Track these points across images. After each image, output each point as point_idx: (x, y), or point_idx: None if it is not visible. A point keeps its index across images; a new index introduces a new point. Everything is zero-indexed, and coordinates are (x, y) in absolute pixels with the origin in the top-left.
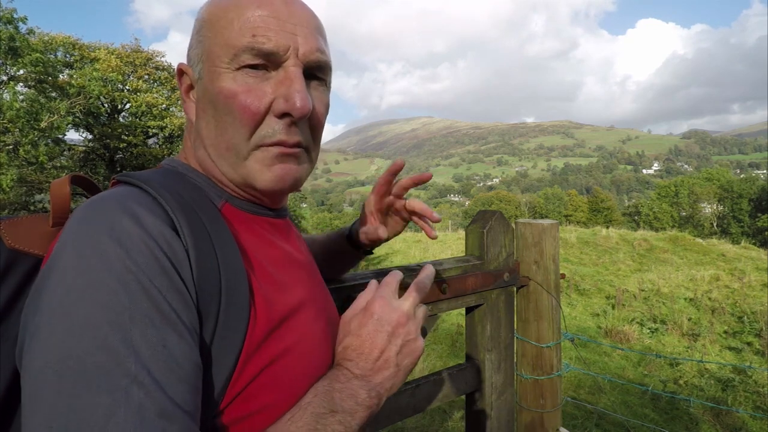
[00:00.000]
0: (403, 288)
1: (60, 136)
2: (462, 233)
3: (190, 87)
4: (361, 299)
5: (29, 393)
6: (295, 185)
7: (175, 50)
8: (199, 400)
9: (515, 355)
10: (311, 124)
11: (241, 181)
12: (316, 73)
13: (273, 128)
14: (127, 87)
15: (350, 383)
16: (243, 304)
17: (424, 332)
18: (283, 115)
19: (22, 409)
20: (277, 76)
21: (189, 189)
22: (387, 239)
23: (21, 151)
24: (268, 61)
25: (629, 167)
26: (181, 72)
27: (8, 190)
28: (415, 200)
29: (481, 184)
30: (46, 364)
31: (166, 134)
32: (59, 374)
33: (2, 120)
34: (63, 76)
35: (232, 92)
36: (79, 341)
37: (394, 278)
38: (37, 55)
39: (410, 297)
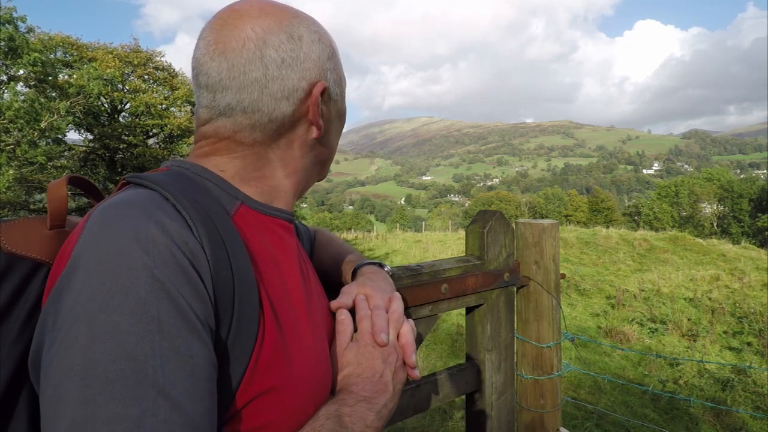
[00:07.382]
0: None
1: (60, 137)
2: (462, 233)
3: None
4: (348, 328)
5: (50, 398)
6: None
7: (182, 52)
8: (216, 411)
9: (515, 355)
10: None
11: (321, 179)
12: None
13: None
14: (126, 87)
15: (358, 406)
16: (253, 317)
17: (420, 338)
18: None
19: (41, 415)
20: None
21: (201, 194)
22: None
23: (18, 150)
24: None
25: (629, 167)
26: (322, 89)
27: (5, 190)
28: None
29: (481, 184)
30: (70, 369)
31: (166, 134)
32: (84, 381)
33: (2, 120)
34: (62, 76)
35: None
36: (105, 349)
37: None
38: (36, 54)
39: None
